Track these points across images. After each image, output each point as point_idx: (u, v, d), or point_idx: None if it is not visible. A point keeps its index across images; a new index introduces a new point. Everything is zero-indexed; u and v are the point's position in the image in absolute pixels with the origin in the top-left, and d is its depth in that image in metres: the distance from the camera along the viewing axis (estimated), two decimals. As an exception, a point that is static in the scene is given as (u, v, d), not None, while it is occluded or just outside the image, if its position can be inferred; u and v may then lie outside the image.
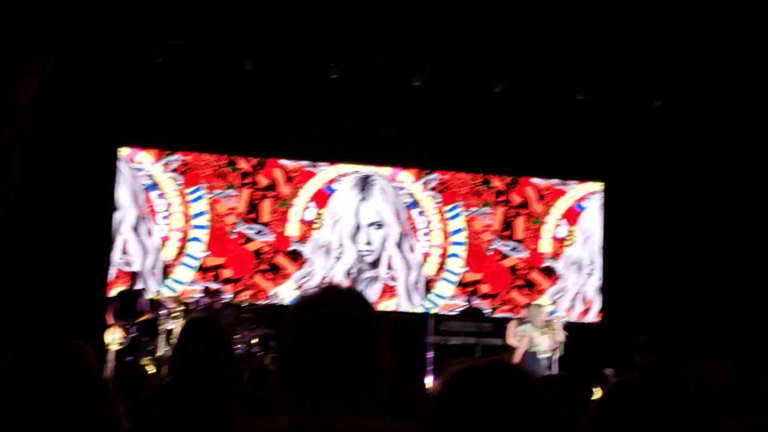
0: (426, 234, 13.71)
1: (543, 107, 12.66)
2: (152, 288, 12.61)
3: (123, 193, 12.92)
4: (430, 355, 11.25)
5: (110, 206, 12.74)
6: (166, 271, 12.91)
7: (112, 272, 12.61)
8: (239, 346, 10.73)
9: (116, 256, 12.73)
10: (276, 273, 13.15)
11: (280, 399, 1.88)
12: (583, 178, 14.16)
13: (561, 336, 10.66)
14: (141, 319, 11.22)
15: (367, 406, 1.88)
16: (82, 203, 12.03)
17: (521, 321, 11.01)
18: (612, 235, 14.03)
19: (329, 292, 1.91)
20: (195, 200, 13.10)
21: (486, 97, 12.43)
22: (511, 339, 10.74)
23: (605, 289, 14.02)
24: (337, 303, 1.89)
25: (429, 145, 13.20)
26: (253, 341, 11.03)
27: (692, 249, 12.90)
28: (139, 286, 11.88)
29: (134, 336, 11.10)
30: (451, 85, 12.42)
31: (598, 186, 14.26)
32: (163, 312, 11.19)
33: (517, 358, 10.46)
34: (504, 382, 1.62)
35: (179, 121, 12.43)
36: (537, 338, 10.53)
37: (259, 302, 12.01)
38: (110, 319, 11.11)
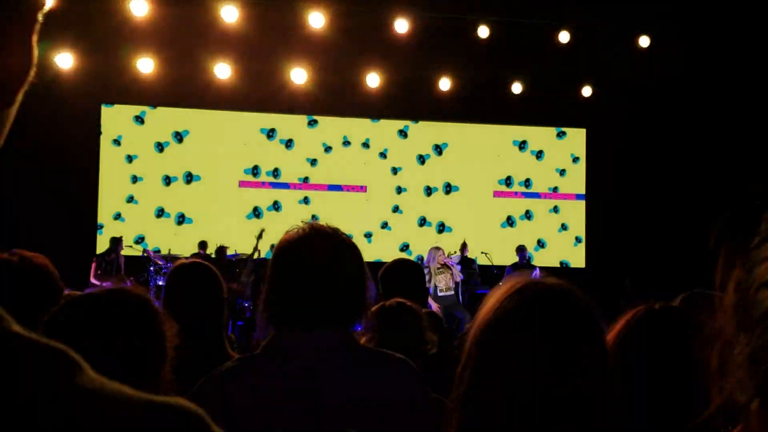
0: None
1: (525, 53, 12.57)
2: (141, 245, 12.59)
3: (107, 152, 12.86)
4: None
5: (95, 166, 12.69)
6: (154, 226, 12.90)
7: (98, 232, 12.61)
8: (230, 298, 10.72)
9: (101, 215, 12.71)
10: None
11: (265, 337, 1.90)
12: (566, 124, 14.15)
13: (458, 277, 11.38)
14: (124, 276, 11.16)
15: (353, 341, 1.90)
16: (67, 163, 11.93)
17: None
18: (595, 181, 14.08)
19: (312, 230, 1.92)
20: (181, 157, 13.06)
21: (472, 43, 12.35)
22: None
23: (590, 234, 14.14)
24: (320, 240, 1.91)
25: (410, 95, 13.10)
26: (244, 294, 11.04)
27: (675, 195, 12.77)
28: (120, 249, 11.69)
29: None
30: (436, 32, 12.27)
31: (581, 131, 14.27)
32: (151, 268, 11.15)
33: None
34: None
35: (162, 78, 12.30)
36: (434, 276, 11.11)
37: (246, 254, 11.95)
38: (93, 278, 11.04)
